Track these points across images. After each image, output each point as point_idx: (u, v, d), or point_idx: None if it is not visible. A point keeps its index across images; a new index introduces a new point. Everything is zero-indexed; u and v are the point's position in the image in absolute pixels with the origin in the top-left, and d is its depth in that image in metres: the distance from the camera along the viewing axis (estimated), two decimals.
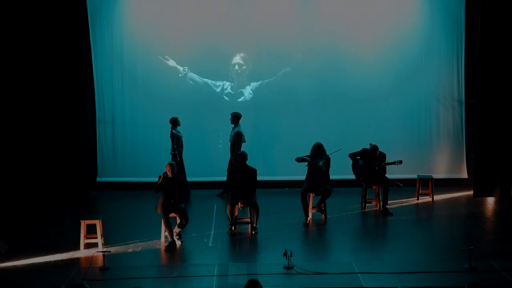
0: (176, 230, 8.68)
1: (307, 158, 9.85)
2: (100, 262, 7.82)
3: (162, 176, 8.75)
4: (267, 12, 11.73)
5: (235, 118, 11.06)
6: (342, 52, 11.89)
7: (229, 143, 11.06)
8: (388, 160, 10.34)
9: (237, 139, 10.93)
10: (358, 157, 10.44)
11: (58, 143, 10.25)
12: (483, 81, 10.46)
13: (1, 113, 9.19)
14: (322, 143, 9.92)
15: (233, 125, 11.08)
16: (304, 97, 11.91)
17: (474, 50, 10.85)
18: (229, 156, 10.99)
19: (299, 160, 9.95)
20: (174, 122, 11.02)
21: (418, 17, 11.87)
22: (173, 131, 11.02)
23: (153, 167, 11.26)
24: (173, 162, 8.85)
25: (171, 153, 11.00)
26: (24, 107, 10.08)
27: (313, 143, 9.98)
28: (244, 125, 11.55)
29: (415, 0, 11.85)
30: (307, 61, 11.83)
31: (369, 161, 10.32)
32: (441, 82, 12.00)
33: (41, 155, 10.24)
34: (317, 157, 9.78)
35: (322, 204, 9.86)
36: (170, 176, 8.74)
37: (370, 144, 10.29)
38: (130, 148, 11.90)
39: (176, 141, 11.01)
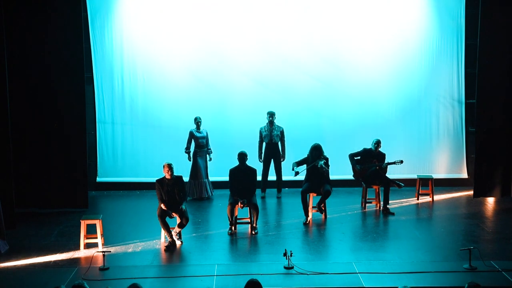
0: (177, 230, 8.68)
1: (296, 169, 9.85)
2: (100, 262, 7.82)
3: (161, 199, 8.74)
4: (267, 13, 11.74)
5: (272, 117, 11.14)
6: (341, 52, 11.89)
7: (272, 142, 11.13)
8: (388, 160, 10.35)
9: (282, 136, 11.13)
10: (358, 157, 10.44)
11: (58, 143, 10.26)
12: (483, 81, 10.46)
13: (1, 113, 9.17)
14: (321, 144, 9.92)
15: (268, 125, 11.14)
16: (303, 96, 11.91)
17: (474, 50, 10.85)
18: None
19: (292, 168, 9.94)
20: (194, 121, 11.09)
21: (418, 17, 11.88)
22: (191, 130, 11.07)
23: (153, 167, 11.30)
24: (171, 162, 8.81)
25: (185, 152, 11.15)
26: (24, 107, 10.10)
27: (311, 143, 9.99)
28: (243, 125, 11.62)
29: (415, 0, 11.85)
30: (307, 60, 11.83)
31: (368, 161, 10.33)
32: (441, 82, 12.01)
33: (41, 155, 10.25)
34: (316, 157, 9.78)
35: (322, 204, 9.86)
36: (169, 177, 8.74)
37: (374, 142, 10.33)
38: (130, 148, 11.91)
39: (192, 140, 11.08)
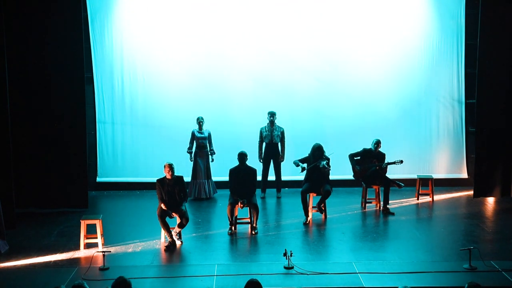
0: (177, 230, 8.68)
1: (301, 164, 9.87)
2: (100, 262, 7.82)
3: (161, 196, 8.74)
4: (268, 13, 11.75)
5: (273, 117, 11.13)
6: (342, 52, 11.89)
7: (273, 142, 11.12)
8: (388, 160, 10.35)
9: (282, 136, 11.12)
10: (358, 158, 10.45)
11: (58, 143, 10.26)
12: (483, 81, 10.45)
13: (1, 113, 9.17)
14: (322, 144, 9.93)
15: (269, 125, 11.13)
16: (304, 96, 11.91)
17: (474, 50, 10.85)
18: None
19: (297, 164, 9.97)
20: (196, 121, 11.13)
21: (418, 17, 11.88)
22: (193, 130, 11.12)
23: (153, 167, 11.30)
24: (171, 162, 8.81)
25: (187, 152, 11.22)
26: (24, 107, 10.09)
27: (312, 143, 10.00)
28: (244, 125, 11.62)
29: (415, 0, 11.86)
30: (306, 60, 11.83)
31: (368, 161, 10.34)
32: (441, 82, 12.01)
33: (41, 155, 10.25)
34: (317, 158, 9.78)
35: (322, 204, 9.86)
36: (169, 177, 8.74)
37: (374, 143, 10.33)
38: (130, 148, 11.91)
39: (193, 140, 11.11)
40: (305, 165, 9.91)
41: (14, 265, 7.96)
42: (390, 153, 10.61)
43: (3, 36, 9.06)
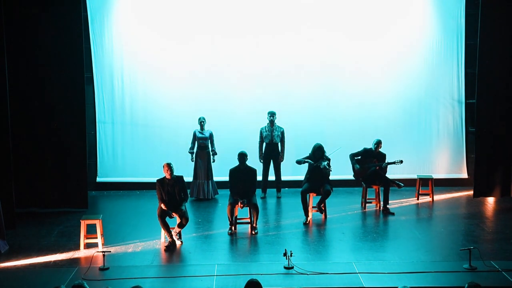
0: (176, 230, 8.68)
1: (309, 160, 9.87)
2: (100, 262, 7.82)
3: (161, 195, 8.74)
4: (269, 14, 11.75)
5: (273, 117, 11.14)
6: (341, 52, 11.88)
7: (273, 142, 11.12)
8: (388, 160, 10.35)
9: (282, 136, 11.12)
10: (358, 157, 10.45)
11: (58, 143, 10.26)
12: (483, 81, 10.45)
13: (1, 113, 9.17)
14: (322, 143, 9.93)
15: (269, 125, 11.13)
16: (303, 96, 11.91)
17: (474, 50, 10.85)
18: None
19: (300, 162, 9.97)
20: (198, 121, 11.14)
21: (418, 17, 11.89)
22: (195, 130, 11.13)
23: (153, 167, 11.28)
24: (170, 162, 8.80)
25: (188, 152, 11.23)
26: (24, 107, 10.10)
27: (312, 143, 9.99)
28: (243, 125, 11.61)
29: (415, 0, 11.86)
30: (307, 60, 11.83)
31: (368, 161, 10.34)
32: (441, 82, 12.01)
33: (41, 155, 10.25)
34: (318, 158, 9.78)
35: (322, 204, 9.86)
36: (169, 177, 8.74)
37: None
38: (130, 148, 11.91)
39: (194, 140, 11.14)
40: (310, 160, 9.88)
41: (14, 265, 7.96)
42: (390, 153, 10.61)
43: (3, 36, 9.06)
